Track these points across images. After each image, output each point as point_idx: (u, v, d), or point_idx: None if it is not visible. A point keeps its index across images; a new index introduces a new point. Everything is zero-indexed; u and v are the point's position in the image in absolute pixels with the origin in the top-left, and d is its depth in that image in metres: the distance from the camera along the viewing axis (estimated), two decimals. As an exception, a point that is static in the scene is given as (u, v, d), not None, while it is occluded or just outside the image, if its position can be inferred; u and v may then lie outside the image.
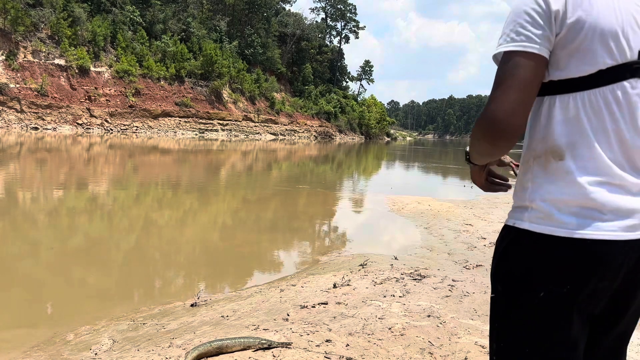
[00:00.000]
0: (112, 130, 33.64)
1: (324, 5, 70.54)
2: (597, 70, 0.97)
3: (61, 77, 32.91)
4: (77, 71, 33.63)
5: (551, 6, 0.95)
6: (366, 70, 76.70)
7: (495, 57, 1.03)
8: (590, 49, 0.96)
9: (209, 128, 40.84)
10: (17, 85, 30.15)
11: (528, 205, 1.02)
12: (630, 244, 0.98)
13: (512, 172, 1.26)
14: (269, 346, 2.57)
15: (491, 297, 1.11)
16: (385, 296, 3.67)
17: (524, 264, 1.01)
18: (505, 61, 0.98)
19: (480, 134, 1.00)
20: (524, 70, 0.96)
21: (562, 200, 0.98)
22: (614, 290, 1.02)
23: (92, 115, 33.47)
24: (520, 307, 1.02)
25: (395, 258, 5.44)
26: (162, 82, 38.78)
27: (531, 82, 0.97)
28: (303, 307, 3.46)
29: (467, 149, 1.17)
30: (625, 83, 0.98)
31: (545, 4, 0.96)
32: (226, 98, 43.96)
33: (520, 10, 0.98)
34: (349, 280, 4.23)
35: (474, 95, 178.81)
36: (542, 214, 0.99)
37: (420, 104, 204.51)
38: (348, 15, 71.04)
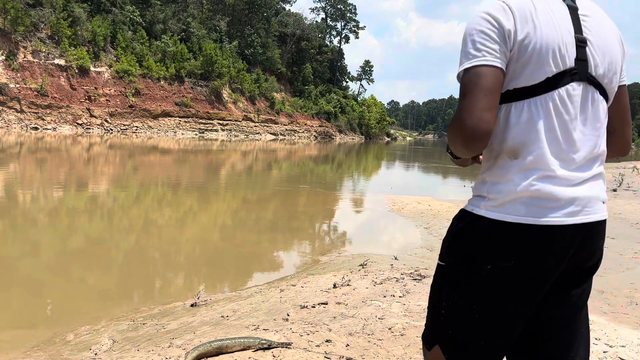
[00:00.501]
0: (112, 130, 33.63)
1: (324, 5, 70.51)
2: (545, 78, 1.13)
3: (61, 77, 32.90)
4: (77, 71, 33.61)
5: (504, 26, 1.11)
6: (366, 70, 76.66)
7: (459, 75, 1.16)
8: (538, 61, 1.12)
9: (209, 128, 40.82)
10: (17, 85, 30.13)
11: (485, 195, 1.19)
12: (572, 227, 1.13)
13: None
14: (269, 346, 2.56)
15: (440, 265, 1.29)
16: (385, 296, 3.67)
17: (477, 243, 1.18)
18: (470, 74, 1.12)
19: (455, 139, 1.13)
20: (486, 79, 1.10)
21: (515, 192, 1.13)
22: (564, 267, 1.17)
23: (92, 115, 33.46)
24: (469, 276, 1.19)
25: (396, 258, 5.44)
26: (162, 82, 38.76)
27: (493, 89, 1.11)
28: (303, 307, 3.45)
29: (449, 151, 1.28)
30: (568, 86, 1.14)
31: (499, 24, 1.12)
32: (226, 98, 43.94)
33: (476, 31, 1.13)
34: (349, 280, 4.22)
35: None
36: (496, 203, 1.15)
37: (420, 104, 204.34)
38: (348, 15, 70.97)
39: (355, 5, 70.92)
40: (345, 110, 60.93)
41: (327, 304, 3.51)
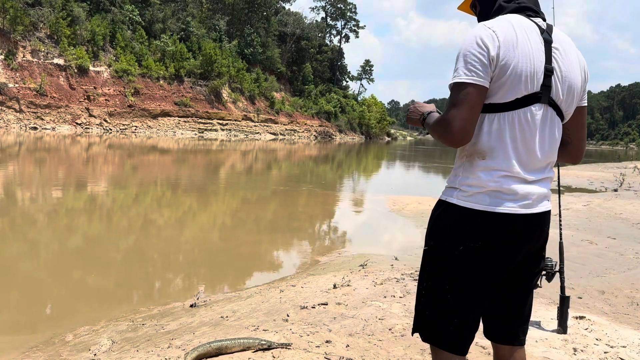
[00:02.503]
0: (111, 130, 33.59)
1: (324, 5, 70.44)
2: (515, 98, 1.38)
3: (60, 76, 32.85)
4: (76, 71, 33.56)
5: (490, 52, 1.35)
6: (366, 69, 76.59)
7: (450, 85, 1.41)
8: (512, 84, 1.37)
9: (209, 128, 40.77)
10: (16, 85, 30.09)
11: (457, 187, 1.45)
12: (526, 216, 1.41)
13: None
14: (268, 347, 2.55)
15: (424, 250, 1.52)
16: (385, 297, 3.66)
17: (451, 227, 1.44)
18: (460, 89, 1.37)
19: (439, 136, 1.41)
20: (472, 96, 1.35)
21: (481, 185, 1.40)
22: (524, 250, 1.45)
23: (91, 115, 33.42)
24: (446, 256, 1.45)
25: (396, 258, 5.42)
26: (161, 82, 38.71)
27: (477, 105, 1.37)
28: (303, 307, 3.44)
29: (425, 114, 1.55)
30: (532, 107, 1.40)
31: (487, 50, 1.35)
32: (226, 98, 43.90)
33: (469, 52, 1.37)
34: (349, 280, 4.21)
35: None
36: (467, 194, 1.42)
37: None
38: (348, 14, 70.90)
39: (355, 5, 70.91)
40: (346, 109, 60.87)
41: (327, 304, 3.50)
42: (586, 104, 1.56)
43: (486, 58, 1.35)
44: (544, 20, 1.48)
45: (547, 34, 1.43)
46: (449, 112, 1.37)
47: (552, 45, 1.42)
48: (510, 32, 1.38)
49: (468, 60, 1.36)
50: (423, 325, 1.52)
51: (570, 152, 1.59)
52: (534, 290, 1.61)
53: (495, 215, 1.38)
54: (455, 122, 1.36)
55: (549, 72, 1.40)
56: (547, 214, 1.48)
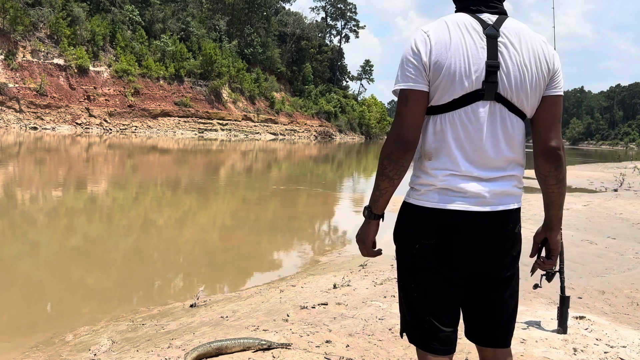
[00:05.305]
0: (111, 130, 33.60)
1: (324, 5, 70.52)
2: (452, 99, 1.37)
3: (60, 76, 32.87)
4: (76, 71, 33.59)
5: (422, 56, 1.37)
6: (366, 69, 76.64)
7: (394, 92, 1.44)
8: (446, 85, 1.36)
9: (209, 128, 40.80)
10: (16, 85, 30.10)
11: (412, 187, 1.47)
12: (484, 214, 1.39)
13: None
14: (268, 347, 2.55)
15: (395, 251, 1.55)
16: (385, 297, 3.66)
17: (408, 226, 1.47)
18: (400, 96, 1.41)
19: (391, 150, 1.39)
20: (411, 102, 1.38)
21: (430, 184, 1.42)
22: (485, 247, 1.42)
23: (91, 115, 33.43)
24: (406, 255, 1.48)
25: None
26: (161, 82, 38.74)
27: (417, 109, 1.39)
28: (303, 307, 3.44)
29: (367, 206, 1.51)
30: (474, 105, 1.38)
31: (419, 54, 1.37)
32: (226, 98, 43.93)
33: (405, 59, 1.40)
34: (349, 280, 4.21)
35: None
36: (419, 192, 1.44)
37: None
38: (348, 14, 71.01)
39: (355, 5, 71.02)
40: (346, 110, 60.92)
41: (327, 304, 3.50)
42: (558, 93, 1.45)
43: (419, 63, 1.36)
44: (504, 13, 1.42)
45: (492, 29, 1.38)
46: (394, 121, 1.42)
47: (498, 40, 1.37)
48: (444, 33, 1.37)
49: (404, 66, 1.39)
50: (403, 326, 1.53)
51: (535, 148, 1.47)
52: (535, 290, 1.58)
53: (446, 212, 1.38)
54: (400, 128, 1.39)
55: (492, 67, 1.36)
56: (510, 212, 1.43)
